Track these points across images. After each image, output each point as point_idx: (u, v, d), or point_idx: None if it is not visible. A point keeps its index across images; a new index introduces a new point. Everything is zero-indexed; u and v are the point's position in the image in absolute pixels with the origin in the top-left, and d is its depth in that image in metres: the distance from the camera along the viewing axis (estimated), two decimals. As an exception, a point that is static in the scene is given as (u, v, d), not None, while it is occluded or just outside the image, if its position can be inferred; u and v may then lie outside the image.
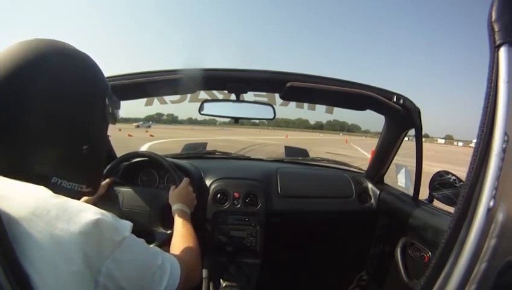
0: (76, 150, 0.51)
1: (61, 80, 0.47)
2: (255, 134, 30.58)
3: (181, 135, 20.52)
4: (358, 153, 14.58)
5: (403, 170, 1.41)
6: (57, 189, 0.46)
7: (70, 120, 0.49)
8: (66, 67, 0.48)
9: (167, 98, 1.29)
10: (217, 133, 26.40)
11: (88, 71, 0.52)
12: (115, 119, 0.60)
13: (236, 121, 1.28)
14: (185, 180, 1.01)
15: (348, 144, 22.99)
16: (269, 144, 15.84)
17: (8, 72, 0.43)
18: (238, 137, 21.43)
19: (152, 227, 1.01)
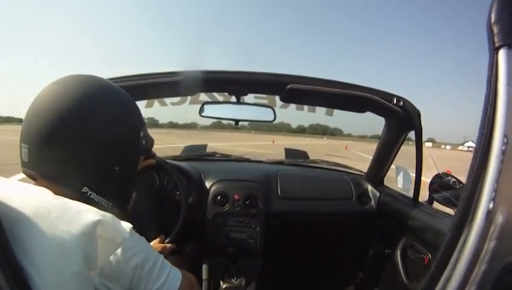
0: (109, 171, 0.54)
1: (101, 113, 0.53)
2: (235, 139, 24.34)
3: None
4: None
5: (402, 172, 1.41)
6: (85, 199, 0.48)
7: (108, 145, 0.53)
8: (107, 103, 0.54)
9: (167, 100, 1.30)
10: (195, 138, 22.66)
11: (124, 106, 0.58)
12: (148, 152, 0.69)
13: (236, 123, 1.28)
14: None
15: (349, 151, 19.14)
16: (247, 152, 10.79)
17: (58, 104, 0.49)
18: (213, 143, 15.20)
19: (150, 229, 1.01)
